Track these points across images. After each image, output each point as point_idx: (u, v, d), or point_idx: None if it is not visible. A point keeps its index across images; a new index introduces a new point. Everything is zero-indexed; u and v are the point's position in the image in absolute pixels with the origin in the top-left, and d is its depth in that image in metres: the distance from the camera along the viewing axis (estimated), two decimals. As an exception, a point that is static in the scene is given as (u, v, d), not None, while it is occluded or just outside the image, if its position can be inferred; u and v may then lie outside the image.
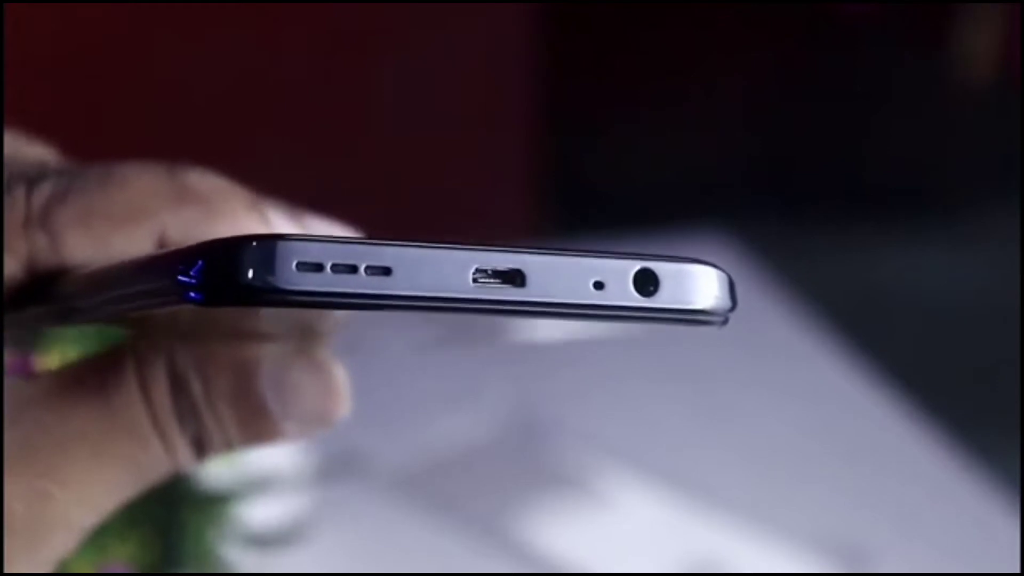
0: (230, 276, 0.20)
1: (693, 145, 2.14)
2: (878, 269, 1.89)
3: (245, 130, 1.30)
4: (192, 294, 0.20)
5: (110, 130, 1.20)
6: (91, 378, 0.25)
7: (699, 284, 0.22)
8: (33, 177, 0.26)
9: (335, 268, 0.20)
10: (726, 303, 0.22)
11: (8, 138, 0.28)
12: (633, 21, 2.13)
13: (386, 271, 0.20)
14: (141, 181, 0.26)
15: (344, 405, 0.26)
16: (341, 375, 0.26)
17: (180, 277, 0.20)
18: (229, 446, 0.26)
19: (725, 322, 0.22)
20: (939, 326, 1.76)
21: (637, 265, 0.21)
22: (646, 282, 0.21)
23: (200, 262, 0.20)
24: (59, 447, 0.25)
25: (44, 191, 0.25)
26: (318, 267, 0.20)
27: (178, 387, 0.25)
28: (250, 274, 0.20)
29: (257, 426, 0.26)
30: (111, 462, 0.25)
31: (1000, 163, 2.14)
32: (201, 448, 0.26)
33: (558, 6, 1.71)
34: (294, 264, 0.20)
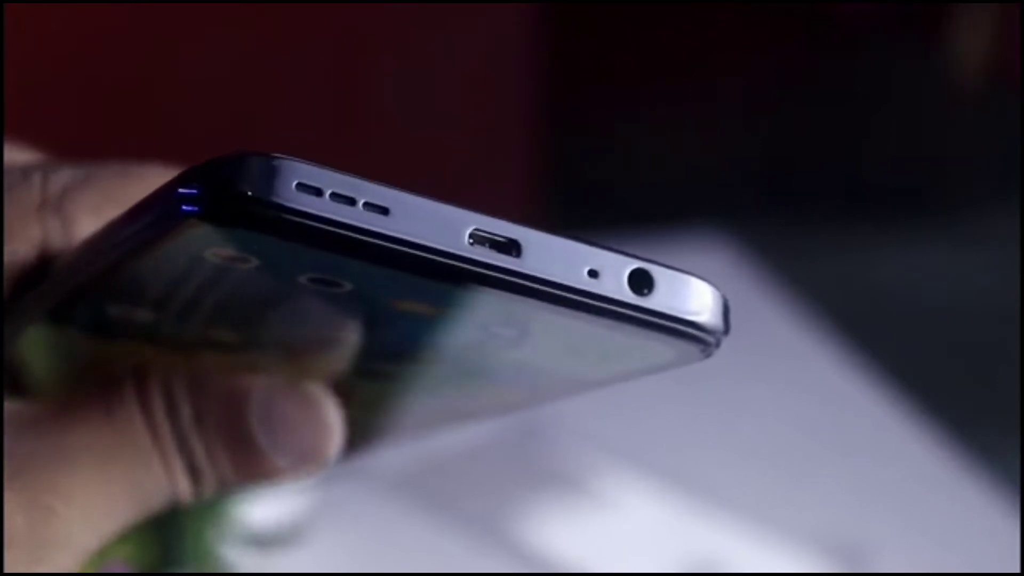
0: (230, 187, 0.19)
1: (693, 145, 2.14)
2: (878, 269, 1.89)
3: (245, 130, 1.30)
4: (188, 206, 0.19)
5: (110, 130, 1.20)
6: (94, 395, 0.25)
7: (694, 296, 0.21)
8: (50, 166, 0.26)
9: (334, 196, 0.19)
10: (719, 323, 0.22)
11: (15, 149, 0.27)
12: (633, 21, 2.13)
13: (384, 210, 0.20)
14: (159, 179, 0.26)
15: (335, 441, 0.26)
16: (332, 409, 0.26)
17: (180, 190, 0.20)
18: (224, 482, 0.26)
19: (717, 345, 0.22)
20: (939, 326, 1.76)
21: (635, 264, 0.21)
22: (641, 282, 0.21)
23: (202, 171, 0.20)
24: (63, 462, 0.25)
25: (62, 177, 0.25)
26: (317, 191, 0.19)
27: (171, 409, 0.25)
28: (250, 187, 0.19)
29: (249, 461, 0.26)
30: (114, 479, 0.25)
31: (1000, 163, 2.14)
32: (196, 477, 0.26)
33: (558, 6, 1.71)
34: (294, 184, 0.19)
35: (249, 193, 0.19)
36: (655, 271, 0.21)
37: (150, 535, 0.55)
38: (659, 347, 0.22)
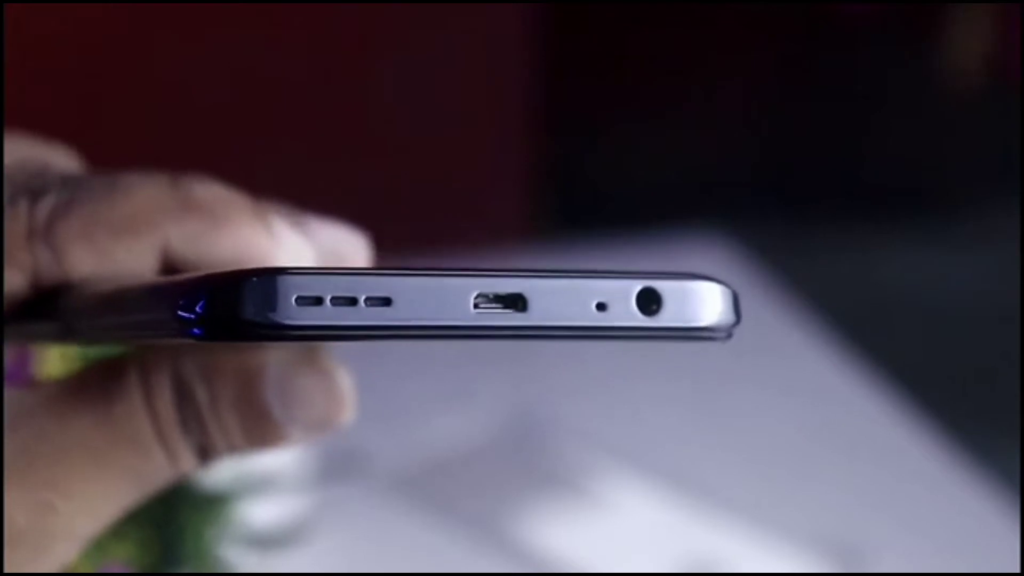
0: (230, 312, 0.20)
1: (693, 145, 2.14)
2: (878, 269, 1.89)
3: (244, 130, 1.30)
4: (193, 330, 0.20)
5: (110, 131, 1.20)
6: (93, 387, 0.25)
7: (703, 301, 0.22)
8: (36, 189, 0.26)
9: (335, 301, 0.20)
10: (730, 318, 0.22)
11: (14, 143, 0.27)
12: (633, 21, 2.13)
13: (386, 301, 0.20)
14: (144, 192, 0.26)
15: (349, 410, 0.26)
16: (346, 380, 0.26)
17: (181, 313, 0.20)
18: (233, 451, 0.26)
19: (729, 336, 0.22)
20: (939, 326, 1.76)
21: (639, 285, 0.21)
22: (649, 301, 0.21)
23: (201, 298, 0.20)
24: (60, 456, 0.25)
25: (47, 204, 0.25)
26: (318, 300, 0.20)
27: (183, 395, 0.25)
28: (250, 310, 0.20)
29: (262, 432, 0.26)
30: (112, 472, 0.25)
31: (1000, 163, 2.14)
32: (205, 455, 0.26)
33: (558, 6, 1.71)
34: (294, 299, 0.20)
35: (250, 316, 0.20)
36: (661, 286, 0.21)
37: (150, 535, 0.55)
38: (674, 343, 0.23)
